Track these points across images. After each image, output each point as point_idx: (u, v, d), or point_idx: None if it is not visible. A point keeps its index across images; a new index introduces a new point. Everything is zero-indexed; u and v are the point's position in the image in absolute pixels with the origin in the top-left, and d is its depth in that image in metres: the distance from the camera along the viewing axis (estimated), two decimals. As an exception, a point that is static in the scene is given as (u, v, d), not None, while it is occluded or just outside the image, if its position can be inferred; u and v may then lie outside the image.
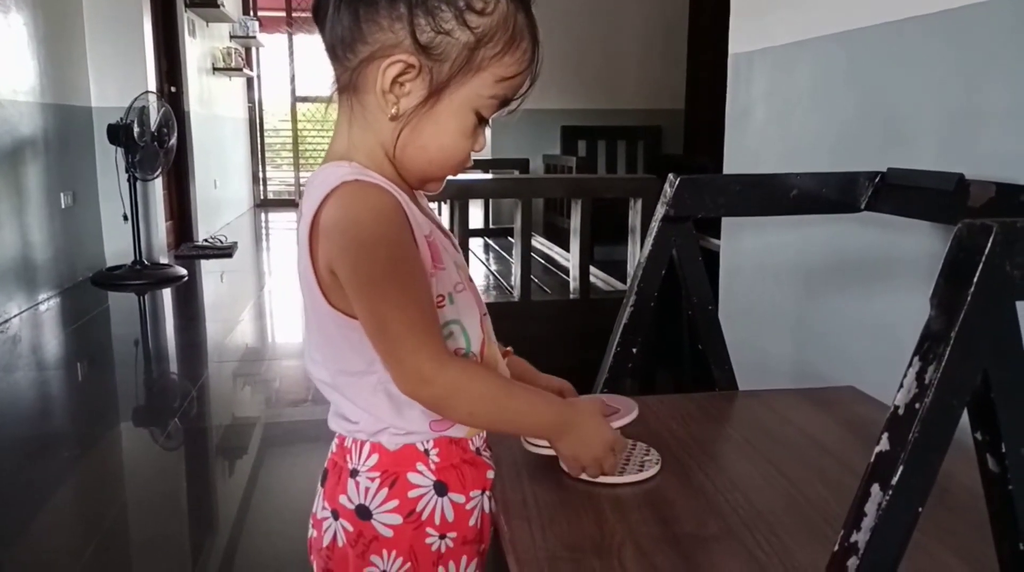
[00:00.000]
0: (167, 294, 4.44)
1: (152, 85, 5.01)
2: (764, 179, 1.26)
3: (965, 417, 0.55)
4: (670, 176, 1.17)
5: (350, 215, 0.70)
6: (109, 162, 4.69)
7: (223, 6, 6.42)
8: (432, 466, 0.77)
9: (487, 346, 0.81)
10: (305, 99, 8.92)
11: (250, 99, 8.76)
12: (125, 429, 2.56)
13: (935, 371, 0.53)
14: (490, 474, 0.82)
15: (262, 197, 9.22)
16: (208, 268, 5.19)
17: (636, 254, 2.49)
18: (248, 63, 7.94)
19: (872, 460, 0.55)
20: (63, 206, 4.35)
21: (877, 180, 1.23)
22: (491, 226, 4.27)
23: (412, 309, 0.70)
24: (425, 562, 0.77)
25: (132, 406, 2.83)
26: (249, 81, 8.58)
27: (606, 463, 0.83)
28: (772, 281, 1.70)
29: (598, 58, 5.09)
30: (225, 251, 5.68)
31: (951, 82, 1.17)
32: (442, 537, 0.77)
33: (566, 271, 2.97)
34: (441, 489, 0.77)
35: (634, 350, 1.20)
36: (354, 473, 0.77)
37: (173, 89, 5.82)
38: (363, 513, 0.77)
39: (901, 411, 0.54)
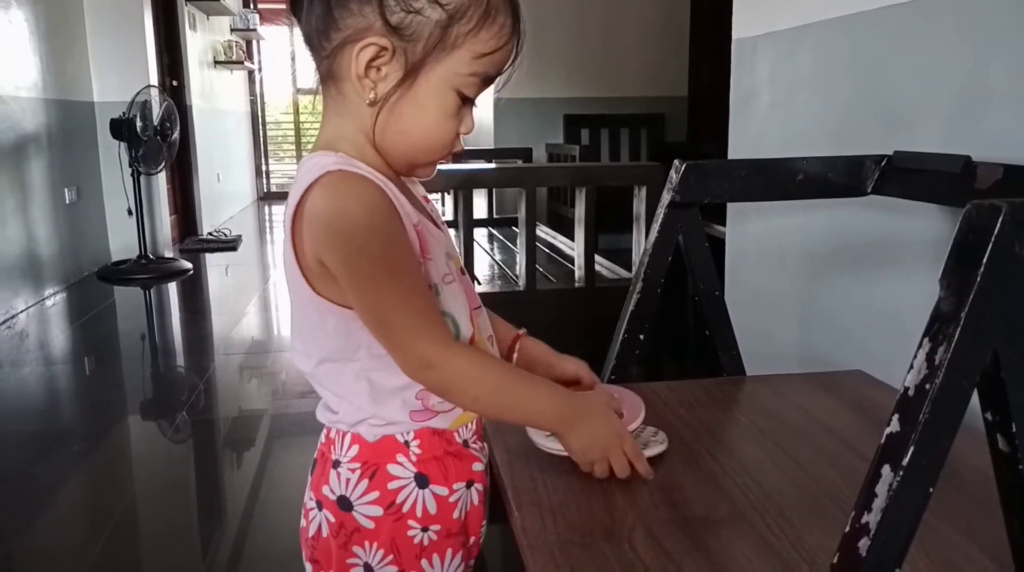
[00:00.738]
0: (172, 288, 4.45)
1: (154, 79, 5.00)
2: (770, 164, 1.25)
3: (975, 398, 0.55)
4: (676, 162, 1.17)
5: (335, 205, 0.69)
6: (112, 157, 4.70)
7: (223, -1, 6.42)
8: (413, 458, 0.76)
9: (477, 339, 0.79)
10: (307, 91, 8.89)
11: (252, 92, 8.76)
12: (133, 422, 2.58)
13: (945, 352, 0.53)
14: (477, 467, 0.80)
15: (265, 190, 9.23)
16: (213, 261, 5.20)
17: (641, 242, 2.48)
18: (249, 56, 7.93)
19: (882, 441, 0.55)
20: (67, 201, 4.35)
21: (883, 163, 1.23)
22: (495, 216, 4.26)
23: (410, 297, 0.69)
24: (408, 555, 0.75)
25: (140, 399, 2.85)
26: (250, 74, 8.58)
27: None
28: (779, 266, 1.70)
29: (600, 46, 5.07)
30: (229, 244, 5.69)
31: (955, 64, 1.17)
32: (424, 530, 0.76)
33: (571, 260, 2.97)
34: (422, 481, 0.76)
35: (641, 337, 1.20)
36: (336, 464, 0.77)
37: (175, 83, 5.83)
38: (344, 504, 0.76)
39: (911, 392, 0.54)
